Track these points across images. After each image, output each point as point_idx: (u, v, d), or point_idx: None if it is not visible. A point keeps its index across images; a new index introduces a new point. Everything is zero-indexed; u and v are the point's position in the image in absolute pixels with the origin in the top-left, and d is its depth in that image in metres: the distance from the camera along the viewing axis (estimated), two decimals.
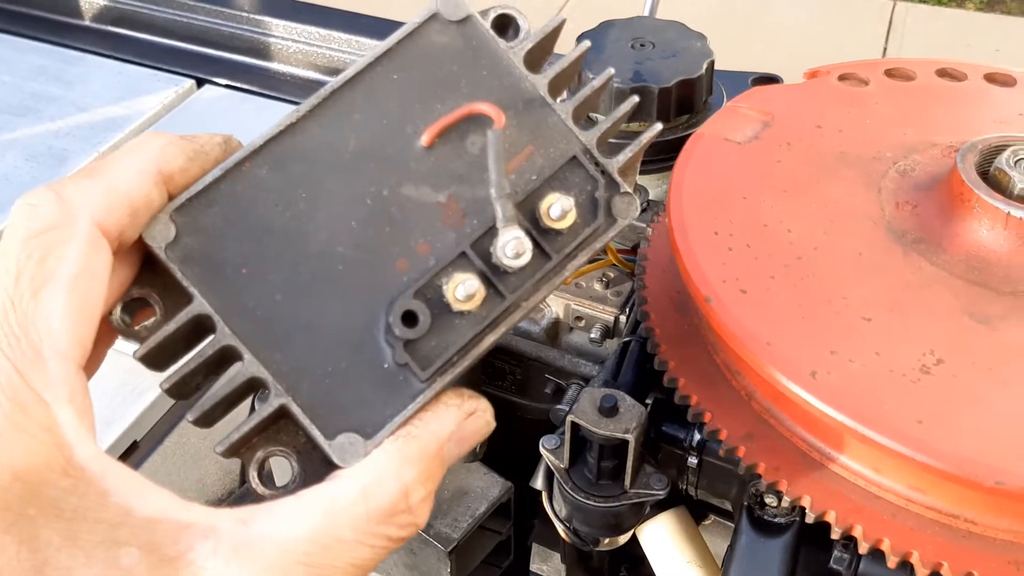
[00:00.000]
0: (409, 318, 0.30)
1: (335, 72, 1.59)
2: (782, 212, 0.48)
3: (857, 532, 0.41)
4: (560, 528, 0.52)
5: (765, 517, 0.47)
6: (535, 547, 0.60)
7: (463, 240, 0.31)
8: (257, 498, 0.30)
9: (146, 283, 0.31)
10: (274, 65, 1.66)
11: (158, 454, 1.17)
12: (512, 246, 0.30)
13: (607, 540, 0.52)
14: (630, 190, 0.33)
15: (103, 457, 0.28)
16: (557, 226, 0.32)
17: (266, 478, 0.31)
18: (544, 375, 0.59)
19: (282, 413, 0.30)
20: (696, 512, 0.60)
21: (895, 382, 0.40)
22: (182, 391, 0.31)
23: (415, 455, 0.30)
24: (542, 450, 0.51)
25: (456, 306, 0.30)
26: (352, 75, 0.32)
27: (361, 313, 0.30)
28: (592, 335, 0.58)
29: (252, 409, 0.31)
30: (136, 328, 0.31)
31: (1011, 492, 0.37)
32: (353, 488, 0.29)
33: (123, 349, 0.82)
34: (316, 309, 0.30)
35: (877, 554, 0.41)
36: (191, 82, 1.64)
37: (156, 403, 1.14)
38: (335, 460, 0.29)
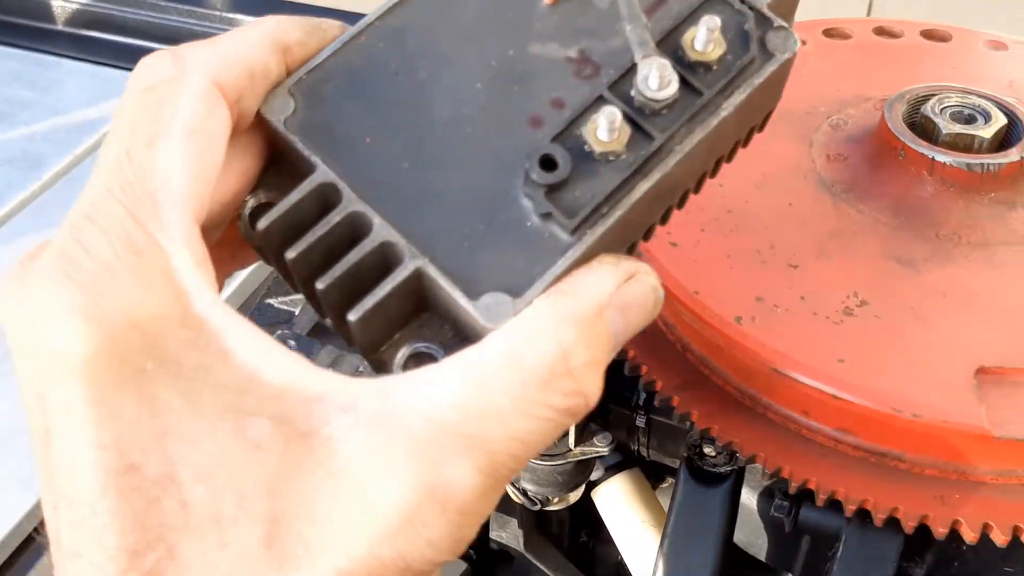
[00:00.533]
0: (548, 163, 0.27)
1: None
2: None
3: (785, 473, 0.41)
4: (509, 489, 0.52)
5: (704, 467, 0.47)
6: (493, 513, 0.61)
7: (599, 89, 0.28)
8: None
9: (272, 187, 0.29)
10: None
11: None
12: (655, 76, 0.27)
13: (556, 499, 0.53)
14: (786, 25, 0.29)
15: (226, 310, 0.25)
16: (704, 58, 0.28)
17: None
18: None
19: (418, 279, 0.27)
20: (652, 475, 0.61)
21: (819, 324, 0.41)
22: (305, 265, 0.28)
23: (570, 313, 0.26)
24: None
25: (599, 148, 0.27)
26: None
27: (496, 174, 0.28)
28: None
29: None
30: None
31: (929, 425, 0.38)
32: (502, 350, 0.25)
33: None
34: (446, 174, 0.28)
35: (811, 497, 0.42)
36: None
37: None
38: (481, 321, 0.26)
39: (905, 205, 0.45)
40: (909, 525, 0.40)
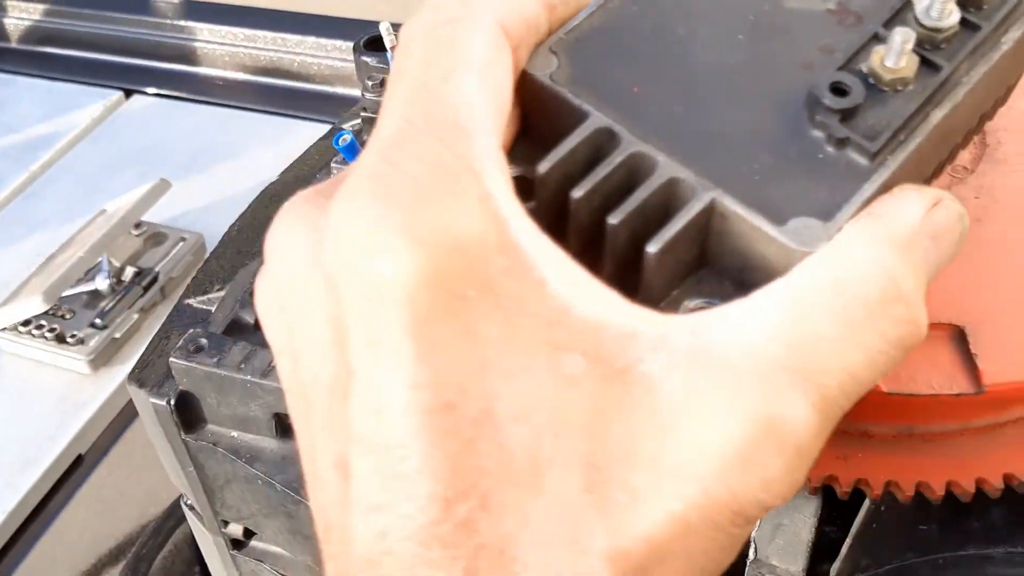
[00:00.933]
0: (839, 90, 0.27)
1: (264, 72, 1.60)
2: None
3: None
4: None
5: None
6: None
7: (870, 30, 0.29)
8: None
9: (522, 160, 0.28)
10: (202, 70, 1.66)
11: (104, 466, 1.17)
12: (937, 6, 0.28)
13: None
14: None
15: (541, 237, 0.24)
16: None
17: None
18: None
19: (708, 215, 0.27)
20: None
21: None
22: (587, 207, 0.27)
23: (888, 237, 0.25)
24: None
25: (888, 76, 0.28)
26: None
27: (776, 112, 0.28)
28: None
29: None
30: None
31: None
32: (823, 276, 0.24)
33: (61, 364, 0.81)
34: (723, 115, 0.28)
35: None
36: (119, 94, 1.64)
37: (97, 416, 1.14)
38: (792, 245, 0.25)
39: None
40: (812, 486, 0.40)
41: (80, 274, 1.19)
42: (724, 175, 0.27)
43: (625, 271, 0.27)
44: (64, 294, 1.17)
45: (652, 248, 0.26)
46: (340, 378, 0.23)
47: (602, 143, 0.28)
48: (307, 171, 0.65)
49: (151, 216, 1.30)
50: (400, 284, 0.22)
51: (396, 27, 0.69)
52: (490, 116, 0.25)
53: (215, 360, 0.51)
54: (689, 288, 0.28)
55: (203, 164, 1.45)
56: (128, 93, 1.63)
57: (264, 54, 1.60)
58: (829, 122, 0.27)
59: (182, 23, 1.67)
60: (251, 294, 0.58)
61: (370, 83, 0.66)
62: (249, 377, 0.50)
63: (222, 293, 0.57)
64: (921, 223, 0.26)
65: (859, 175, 0.27)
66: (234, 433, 0.54)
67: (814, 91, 0.27)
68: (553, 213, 0.28)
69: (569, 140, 0.27)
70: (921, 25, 0.28)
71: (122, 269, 1.23)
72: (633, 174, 0.27)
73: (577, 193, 0.27)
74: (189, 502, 0.60)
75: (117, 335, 1.15)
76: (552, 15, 0.29)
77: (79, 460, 1.14)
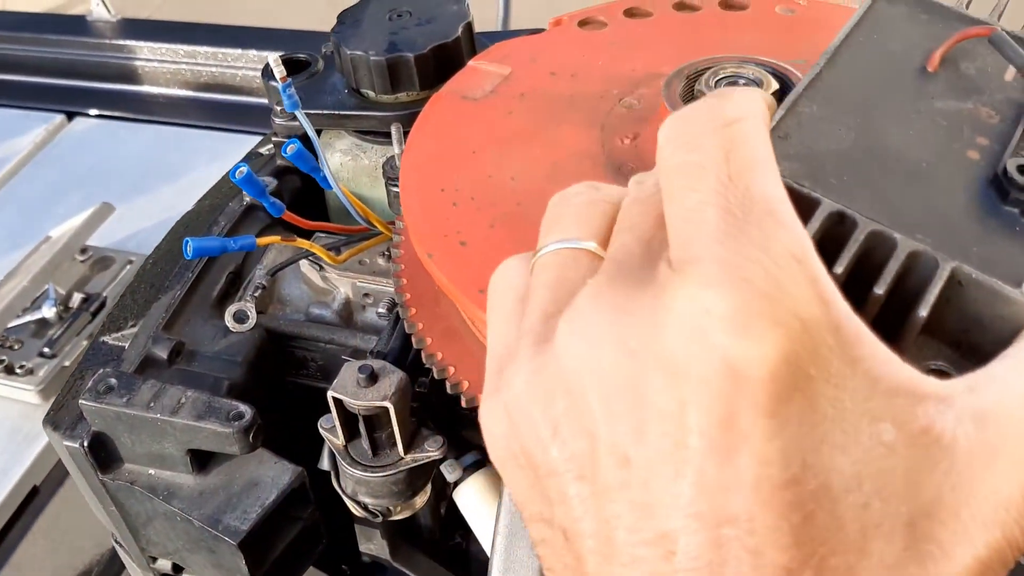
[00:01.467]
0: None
1: (205, 88, 1.58)
2: (508, 162, 0.48)
3: None
4: (349, 504, 0.52)
5: None
6: (356, 527, 0.61)
7: (1016, 124, 0.35)
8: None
9: None
10: (144, 88, 1.64)
11: (60, 497, 1.16)
12: None
13: (399, 508, 0.53)
14: None
15: (855, 318, 0.26)
16: None
17: None
18: (342, 357, 0.59)
19: (954, 279, 0.31)
20: None
21: None
22: (840, 279, 0.31)
23: None
24: (320, 430, 0.52)
25: None
26: (842, 36, 0.39)
27: (968, 194, 0.33)
28: (380, 310, 0.59)
29: None
30: None
31: None
32: None
33: (11, 395, 0.79)
34: (923, 199, 0.33)
35: None
36: (61, 117, 1.61)
37: (51, 446, 1.12)
38: None
39: None
40: None
41: (26, 303, 1.18)
42: (953, 249, 0.31)
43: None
44: (10, 325, 1.15)
45: (923, 311, 0.30)
46: (669, 457, 0.24)
47: (833, 226, 0.31)
48: (221, 200, 0.64)
49: (97, 240, 1.28)
50: (763, 366, 0.24)
51: (289, 58, 0.68)
52: (791, 207, 0.27)
53: (124, 400, 0.50)
54: (914, 353, 0.31)
55: (149, 184, 1.44)
56: (70, 116, 1.61)
57: (205, 69, 1.59)
58: (1023, 198, 0.33)
59: (121, 42, 1.65)
60: (164, 328, 0.58)
61: (279, 107, 0.66)
62: (159, 415, 0.50)
63: (135, 329, 0.57)
64: None
65: None
66: (151, 471, 0.53)
67: (1003, 173, 0.33)
68: None
69: (811, 224, 0.31)
70: None
71: (69, 296, 1.22)
72: (872, 251, 0.31)
73: (838, 269, 0.30)
74: (118, 539, 0.59)
75: (67, 363, 1.14)
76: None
77: (35, 492, 1.13)
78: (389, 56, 0.59)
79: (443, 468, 0.60)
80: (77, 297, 1.21)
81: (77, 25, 1.66)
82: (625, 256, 0.28)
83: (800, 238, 0.26)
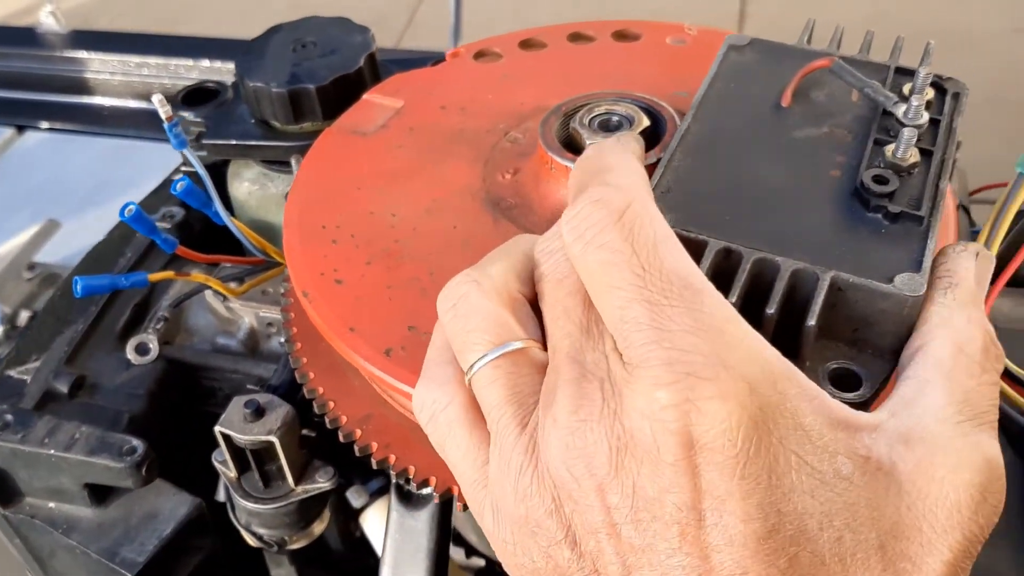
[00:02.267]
0: (879, 180, 0.37)
1: None
2: (390, 198, 0.49)
3: (457, 495, 0.43)
4: (245, 535, 0.53)
5: (412, 491, 0.48)
6: (265, 554, 0.61)
7: (866, 140, 0.40)
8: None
9: None
10: (95, 100, 1.63)
11: None
12: (915, 109, 0.40)
13: (295, 538, 0.53)
14: (954, 78, 0.43)
15: (785, 361, 0.29)
16: (927, 99, 0.42)
17: (839, 386, 0.34)
18: (247, 386, 0.60)
19: (832, 285, 0.34)
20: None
21: None
22: (737, 306, 0.34)
23: (967, 299, 0.33)
24: (214, 463, 0.52)
25: (905, 163, 0.38)
26: (704, 90, 0.43)
27: (835, 209, 0.37)
28: (282, 339, 0.59)
29: None
30: None
31: None
32: (948, 346, 0.32)
33: None
34: (798, 220, 0.37)
35: None
36: (11, 130, 1.60)
37: None
38: (905, 295, 0.34)
39: (560, 216, 0.46)
40: None
41: None
42: (830, 260, 0.35)
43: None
44: None
45: (810, 322, 0.33)
46: (664, 535, 0.28)
47: (722, 261, 0.35)
48: (130, 231, 0.65)
49: (45, 257, 1.28)
50: (722, 436, 0.27)
51: (199, 88, 0.69)
52: (701, 273, 0.30)
53: (19, 436, 0.51)
54: (816, 357, 0.35)
55: (102, 198, 1.42)
56: (21, 129, 1.60)
57: (155, 80, 1.58)
58: (883, 204, 0.37)
59: (71, 54, 1.64)
60: (66, 361, 0.58)
61: (187, 137, 0.67)
62: (53, 451, 0.50)
63: (38, 363, 0.57)
64: (975, 278, 0.34)
65: (919, 235, 0.36)
66: (51, 504, 0.54)
67: (862, 185, 0.37)
68: None
69: (702, 264, 0.34)
70: (912, 121, 0.40)
71: (15, 314, 1.21)
72: (760, 276, 0.35)
73: (731, 299, 0.33)
74: (28, 573, 0.60)
75: None
76: None
77: None
78: (291, 87, 0.60)
79: (348, 494, 0.61)
80: (24, 315, 1.21)
81: (26, 37, 1.65)
82: (575, 351, 0.30)
83: (719, 303, 0.29)
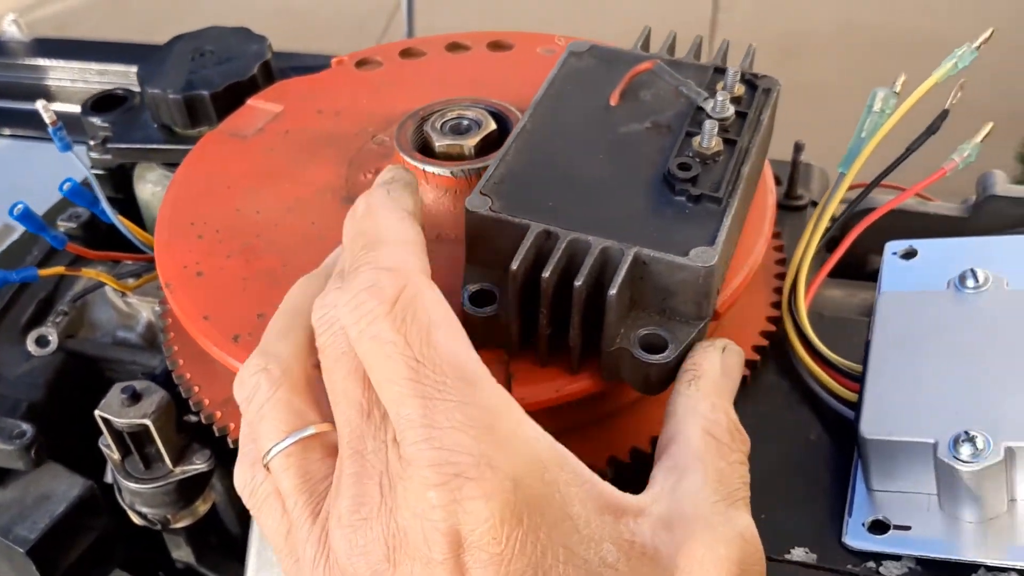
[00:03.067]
0: (684, 166, 0.42)
1: None
2: (258, 197, 0.53)
3: None
4: (131, 514, 0.56)
5: None
6: (165, 536, 0.64)
7: (683, 130, 0.45)
8: (644, 367, 0.39)
9: (476, 279, 0.42)
10: (58, 107, 1.66)
11: None
12: (721, 103, 0.45)
13: (178, 516, 0.57)
14: (769, 76, 0.48)
15: (557, 446, 0.31)
16: (736, 95, 0.47)
17: (647, 350, 0.39)
18: (141, 375, 0.63)
19: (636, 260, 0.39)
20: None
21: None
22: (551, 284, 0.39)
23: (712, 390, 0.37)
24: (101, 447, 0.56)
25: (708, 152, 0.43)
26: (542, 92, 0.48)
27: (648, 194, 0.42)
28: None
29: None
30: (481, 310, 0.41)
31: None
32: (699, 434, 0.35)
33: None
34: (615, 205, 0.41)
35: None
36: None
37: None
38: (699, 266, 0.39)
39: None
40: None
41: None
42: (633, 239, 0.39)
43: (589, 323, 0.40)
44: None
45: (612, 291, 0.38)
46: None
47: (543, 241, 0.40)
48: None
49: None
50: (483, 531, 0.28)
51: (107, 94, 0.72)
52: (477, 360, 0.32)
53: None
54: (629, 325, 0.40)
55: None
56: None
57: (118, 86, 1.61)
58: (686, 189, 0.41)
59: (33, 62, 1.67)
60: None
61: (92, 142, 0.70)
62: None
63: None
64: (720, 368, 0.38)
65: (716, 214, 0.41)
66: None
67: (669, 172, 0.42)
68: (524, 298, 0.40)
69: (524, 243, 0.39)
70: (719, 114, 0.45)
71: None
72: (575, 254, 0.39)
73: (546, 273, 0.38)
74: None
75: None
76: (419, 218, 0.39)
77: None
78: (186, 94, 0.64)
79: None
80: None
81: None
82: (356, 440, 0.32)
83: (493, 393, 0.31)
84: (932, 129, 0.52)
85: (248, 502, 0.35)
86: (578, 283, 0.38)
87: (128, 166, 0.70)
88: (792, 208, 0.61)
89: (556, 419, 0.39)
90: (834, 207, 0.52)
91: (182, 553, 0.65)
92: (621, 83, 0.47)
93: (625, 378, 0.42)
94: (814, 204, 0.62)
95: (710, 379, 0.38)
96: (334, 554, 0.31)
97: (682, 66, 0.49)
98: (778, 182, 0.65)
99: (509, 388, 0.42)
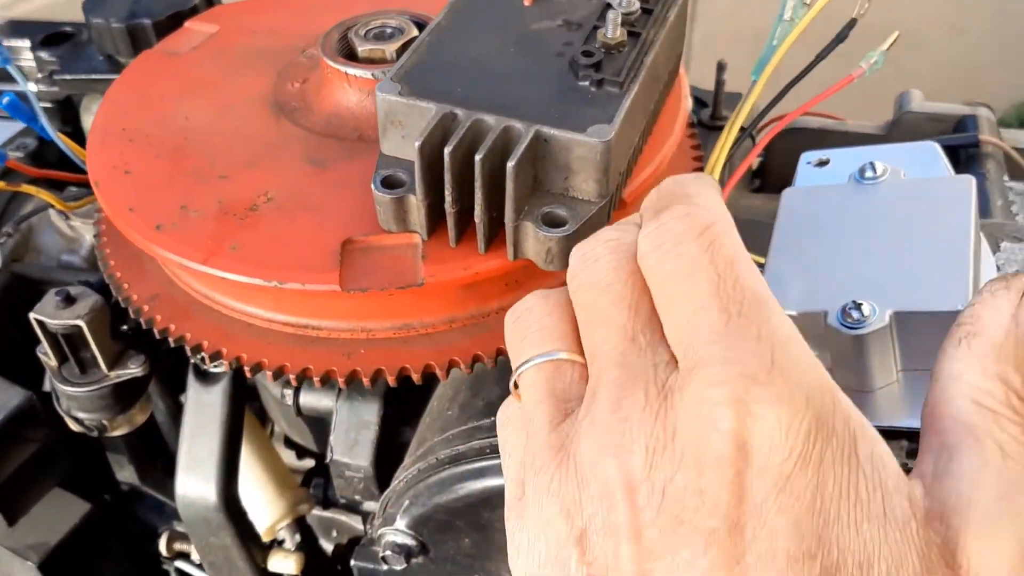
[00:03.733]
0: (587, 53, 0.44)
1: None
2: (188, 105, 0.54)
3: (224, 355, 0.47)
4: (68, 420, 0.57)
5: (206, 369, 0.53)
6: (109, 457, 0.66)
7: (591, 24, 0.46)
8: (545, 241, 0.41)
9: (388, 166, 0.44)
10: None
11: None
12: (626, 1, 0.46)
13: (114, 423, 0.58)
14: None
15: (846, 397, 0.28)
16: None
17: (549, 225, 0.41)
18: None
19: (537, 137, 0.40)
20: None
21: (226, 221, 0.47)
22: (455, 159, 0.40)
23: (990, 350, 0.30)
24: (38, 355, 0.57)
25: (612, 42, 0.44)
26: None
27: (555, 80, 0.44)
28: None
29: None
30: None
31: (295, 291, 0.44)
32: (967, 405, 0.29)
33: None
34: (522, 90, 0.43)
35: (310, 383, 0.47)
36: None
37: None
38: (595, 140, 0.40)
39: (335, 116, 0.52)
40: (317, 380, 0.46)
41: None
42: (538, 118, 0.41)
43: (493, 199, 0.41)
44: None
45: (511, 163, 0.39)
46: (689, 540, 0.26)
47: (449, 122, 0.41)
48: None
49: None
50: (769, 440, 0.26)
51: (57, 32, 0.73)
52: (773, 295, 0.29)
53: None
54: (534, 203, 0.42)
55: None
56: None
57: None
58: (589, 74, 0.43)
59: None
60: None
61: (40, 75, 0.72)
62: None
63: None
64: (1007, 328, 0.30)
65: (617, 97, 0.43)
66: None
67: (573, 59, 0.44)
68: (431, 178, 0.41)
69: (429, 122, 0.41)
70: (626, 9, 0.46)
71: None
72: (479, 133, 0.41)
73: (448, 148, 0.40)
74: None
75: None
76: None
77: None
78: (129, 23, 0.65)
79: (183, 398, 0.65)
80: None
81: None
82: (618, 356, 0.29)
83: (787, 322, 0.28)
84: (840, 37, 0.54)
85: (498, 425, 0.34)
86: (479, 156, 0.40)
87: (76, 99, 0.72)
88: (716, 128, 0.63)
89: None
90: (746, 112, 0.54)
91: (126, 474, 0.67)
92: None
93: (529, 255, 0.43)
94: (743, 130, 0.64)
95: (988, 340, 0.30)
96: (575, 459, 0.28)
97: None
98: (704, 104, 0.67)
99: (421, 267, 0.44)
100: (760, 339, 0.27)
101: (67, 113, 0.72)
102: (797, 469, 0.25)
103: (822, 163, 0.54)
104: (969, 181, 0.46)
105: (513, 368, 0.33)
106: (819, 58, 0.54)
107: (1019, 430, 0.28)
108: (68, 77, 0.68)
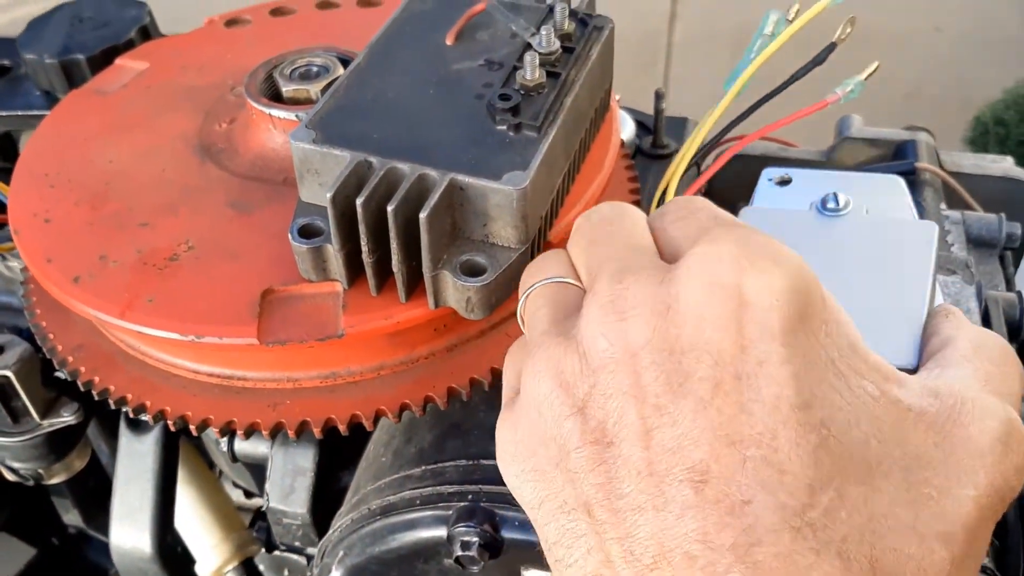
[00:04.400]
0: (505, 97, 0.43)
1: None
2: (113, 147, 0.53)
3: (149, 408, 0.46)
4: (3, 471, 0.56)
5: (138, 417, 0.52)
6: (54, 500, 0.65)
7: (510, 65, 0.45)
8: (464, 290, 0.40)
9: (306, 214, 0.43)
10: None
11: None
12: (546, 37, 0.45)
13: (52, 471, 0.57)
14: (602, 15, 0.49)
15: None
16: (567, 31, 0.47)
17: (467, 274, 0.40)
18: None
19: (452, 186, 0.40)
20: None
21: (144, 272, 0.46)
22: (368, 209, 0.39)
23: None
24: None
25: (531, 84, 0.43)
26: (380, 33, 0.48)
27: (472, 124, 0.43)
28: None
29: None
30: None
31: (213, 344, 0.43)
32: (967, 344, 0.33)
33: None
34: (439, 135, 0.42)
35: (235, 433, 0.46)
36: None
37: None
38: (510, 188, 0.39)
39: (261, 158, 0.51)
40: (241, 433, 0.45)
41: None
42: (453, 166, 0.40)
43: (410, 249, 0.40)
44: None
45: (423, 214, 0.38)
46: (693, 392, 0.27)
47: (364, 171, 0.40)
48: None
49: None
50: (770, 295, 0.27)
51: None
52: None
53: None
54: (453, 251, 0.41)
55: None
56: None
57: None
58: (506, 119, 0.42)
59: None
60: None
61: None
62: None
63: None
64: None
65: (534, 142, 0.42)
66: None
67: (490, 103, 0.43)
68: (347, 224, 0.40)
69: (342, 171, 0.40)
70: (540, 54, 0.45)
71: None
72: (392, 181, 0.40)
73: (359, 200, 0.39)
74: None
75: None
76: None
77: None
78: (62, 58, 0.64)
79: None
80: None
81: None
82: (618, 255, 0.31)
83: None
84: (818, 60, 0.52)
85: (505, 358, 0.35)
86: (391, 207, 0.39)
87: (16, 135, 0.71)
88: (658, 156, 0.62)
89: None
90: (711, 124, 0.53)
91: (71, 516, 0.66)
92: (457, 23, 0.48)
93: (451, 303, 0.42)
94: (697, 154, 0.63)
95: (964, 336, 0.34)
96: (575, 337, 0.29)
97: (519, 7, 0.50)
98: (649, 131, 0.66)
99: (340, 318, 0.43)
100: (757, 231, 0.30)
101: (6, 149, 0.71)
102: (794, 326, 0.27)
103: (784, 182, 0.54)
104: (932, 229, 0.45)
105: (520, 295, 0.35)
106: (792, 79, 0.53)
107: (1011, 371, 0.32)
108: (4, 113, 0.67)
